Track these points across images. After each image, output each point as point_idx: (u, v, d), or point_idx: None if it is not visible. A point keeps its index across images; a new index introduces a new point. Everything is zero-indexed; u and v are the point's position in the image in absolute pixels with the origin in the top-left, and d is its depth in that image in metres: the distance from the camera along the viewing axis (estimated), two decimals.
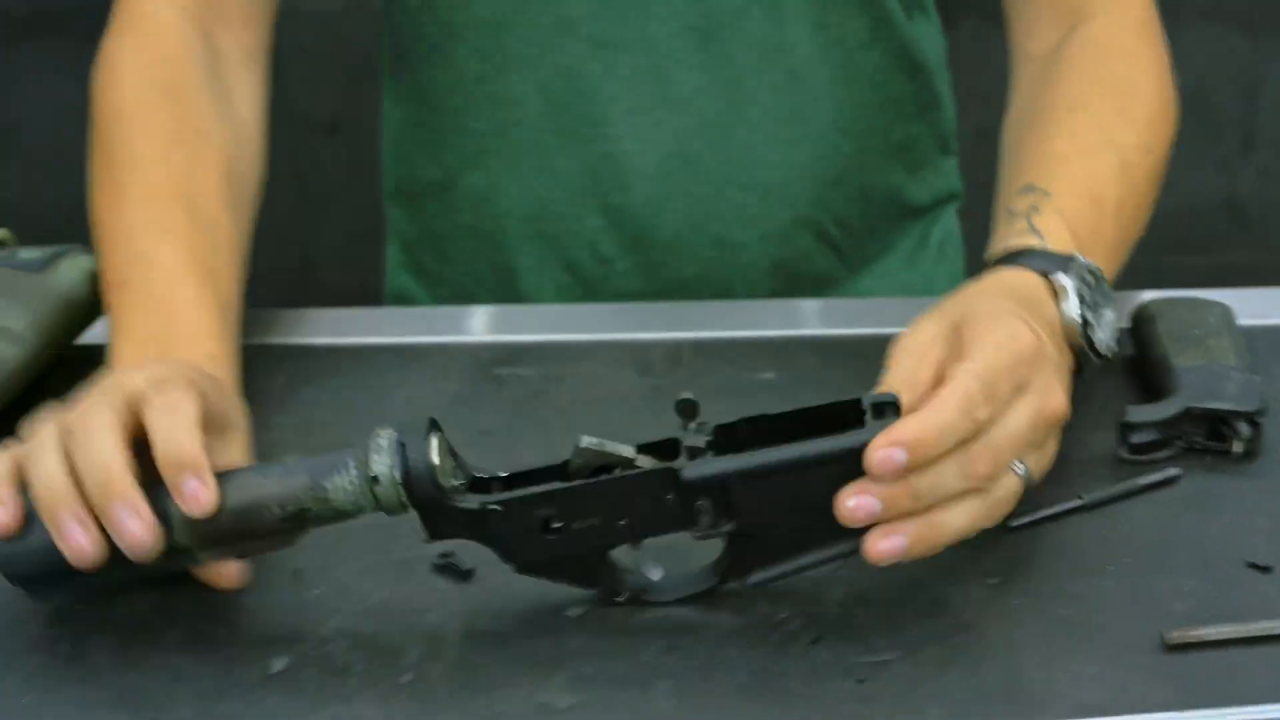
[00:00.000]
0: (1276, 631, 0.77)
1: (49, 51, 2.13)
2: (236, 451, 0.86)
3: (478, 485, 0.80)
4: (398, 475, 0.78)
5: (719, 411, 0.97)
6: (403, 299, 1.28)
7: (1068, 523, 0.86)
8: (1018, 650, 0.78)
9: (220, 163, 1.03)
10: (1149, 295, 1.03)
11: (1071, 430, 0.93)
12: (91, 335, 1.07)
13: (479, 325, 1.14)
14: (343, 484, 0.79)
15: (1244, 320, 1.00)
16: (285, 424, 0.98)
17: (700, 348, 1.06)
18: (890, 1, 1.17)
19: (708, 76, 1.14)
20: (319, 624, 0.82)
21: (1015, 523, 0.85)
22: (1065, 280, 0.89)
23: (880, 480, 0.75)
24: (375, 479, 0.78)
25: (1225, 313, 0.99)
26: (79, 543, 0.77)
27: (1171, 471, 0.88)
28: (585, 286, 1.20)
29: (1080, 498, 0.87)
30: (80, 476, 0.78)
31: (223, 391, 0.87)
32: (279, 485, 0.79)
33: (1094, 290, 0.91)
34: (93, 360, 1.05)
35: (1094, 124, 1.02)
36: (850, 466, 0.76)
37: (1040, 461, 0.83)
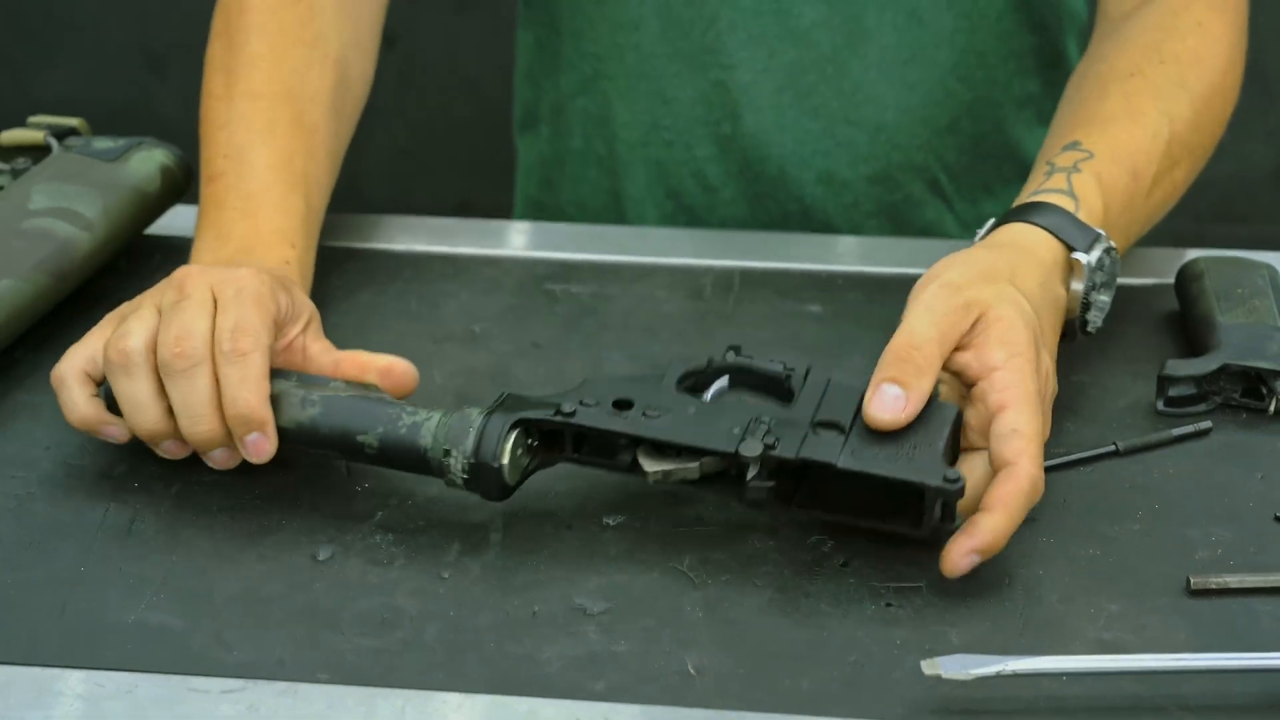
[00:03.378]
0: None
1: None
2: (323, 342, 0.89)
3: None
4: (464, 475, 0.81)
5: (764, 340, 1.00)
6: None
7: (1101, 469, 0.88)
8: (1041, 586, 0.79)
9: (334, 68, 1.04)
10: (1195, 254, 1.04)
11: (1111, 381, 0.95)
12: (159, 226, 1.10)
13: (534, 241, 1.16)
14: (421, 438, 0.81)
15: None
16: (343, 324, 1.01)
17: (750, 277, 1.08)
18: None
19: (828, 10, 1.14)
20: (365, 517, 0.84)
21: (1049, 463, 0.87)
22: (1085, 260, 0.90)
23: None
24: (448, 452, 0.80)
25: (1271, 274, 1.00)
26: (174, 452, 0.86)
27: (1204, 424, 0.90)
28: (690, 215, 1.21)
29: (1115, 445, 0.88)
30: (178, 410, 0.84)
31: (292, 292, 0.90)
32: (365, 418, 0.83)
33: (1105, 271, 0.92)
34: (161, 250, 1.08)
35: (1149, 90, 1.01)
36: None
37: None
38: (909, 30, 1.15)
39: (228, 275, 0.87)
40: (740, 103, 1.17)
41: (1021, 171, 1.23)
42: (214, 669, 0.74)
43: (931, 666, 0.72)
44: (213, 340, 0.83)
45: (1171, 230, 1.12)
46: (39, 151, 1.07)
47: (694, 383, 0.84)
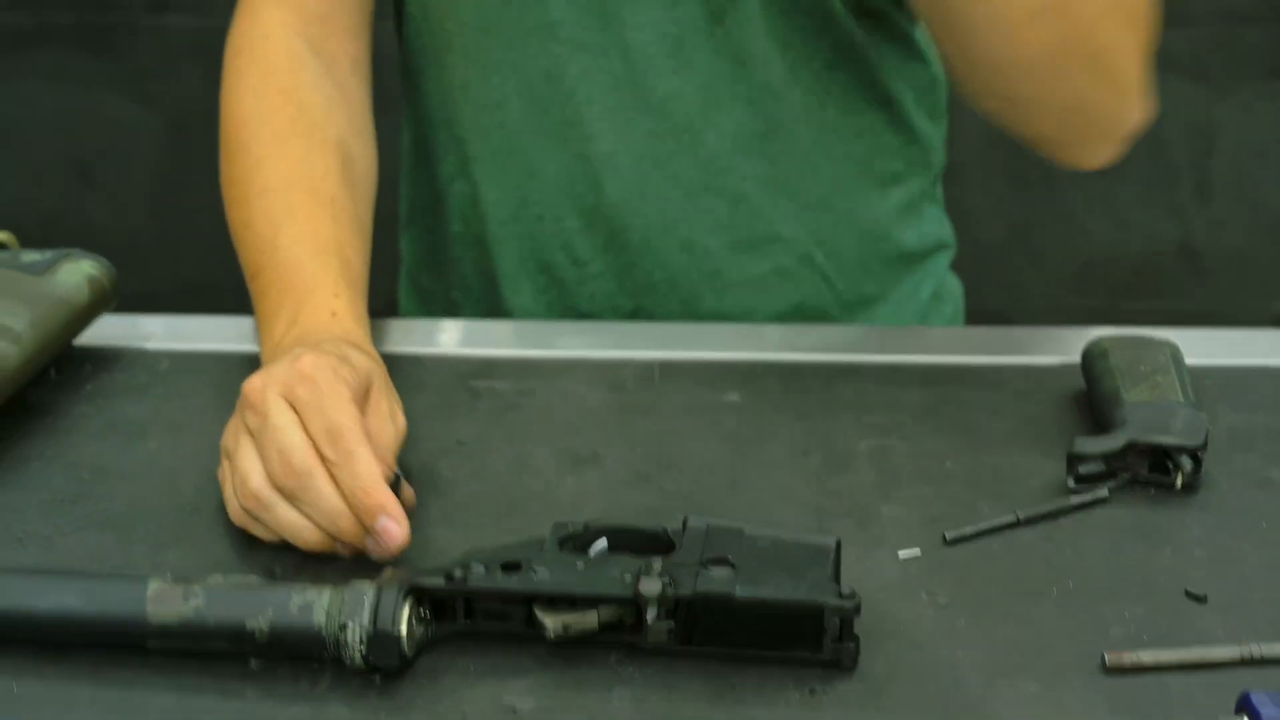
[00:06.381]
0: (1211, 658, 0.81)
1: (45, 61, 2.16)
2: (380, 414, 0.93)
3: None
4: (362, 648, 0.81)
5: (684, 429, 1.01)
6: None
7: (1014, 548, 0.90)
8: (961, 669, 0.81)
9: (335, 148, 1.11)
10: (1100, 332, 1.07)
11: (1022, 459, 0.97)
12: (88, 336, 1.10)
13: (457, 338, 1.17)
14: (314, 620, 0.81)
15: (1192, 360, 1.04)
16: None
17: (670, 368, 1.10)
18: (850, 24, 1.18)
19: (680, 81, 1.17)
20: None
21: (951, 535, 0.90)
22: None
23: None
24: (344, 626, 0.81)
25: (1174, 351, 1.03)
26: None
27: (1101, 492, 0.93)
28: (561, 289, 1.23)
29: (1016, 515, 0.91)
30: (317, 521, 0.88)
31: (350, 359, 0.93)
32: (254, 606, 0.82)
33: None
34: (91, 359, 1.09)
35: None
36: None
37: None
38: (761, 103, 1.18)
39: (292, 374, 0.90)
40: (602, 173, 1.19)
41: (900, 254, 1.26)
42: None
43: None
44: (313, 445, 0.87)
45: (1084, 306, 1.15)
46: None
47: (573, 546, 0.86)
